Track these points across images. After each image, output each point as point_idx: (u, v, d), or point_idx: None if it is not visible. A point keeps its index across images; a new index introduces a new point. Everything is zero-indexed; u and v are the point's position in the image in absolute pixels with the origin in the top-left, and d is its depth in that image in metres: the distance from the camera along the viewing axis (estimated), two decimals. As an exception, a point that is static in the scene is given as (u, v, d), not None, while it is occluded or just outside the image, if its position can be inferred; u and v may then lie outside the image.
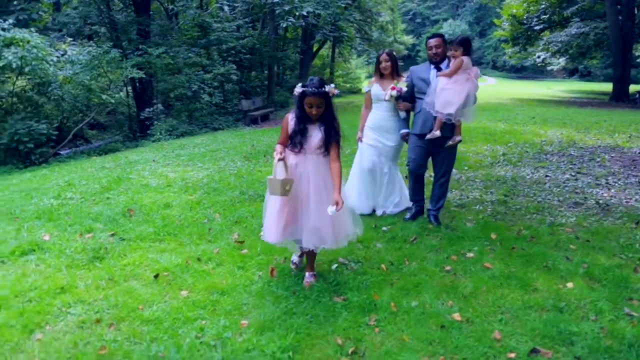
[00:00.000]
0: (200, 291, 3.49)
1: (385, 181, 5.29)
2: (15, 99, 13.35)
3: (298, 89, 3.32)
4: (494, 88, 35.26)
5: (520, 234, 4.61)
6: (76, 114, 14.13)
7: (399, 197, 5.37)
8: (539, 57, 30.84)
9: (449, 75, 4.57)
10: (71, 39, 16.25)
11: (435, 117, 4.65)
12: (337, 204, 3.19)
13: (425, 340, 2.82)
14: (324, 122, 3.36)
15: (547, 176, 7.03)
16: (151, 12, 17.57)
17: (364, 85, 5.39)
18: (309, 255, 3.65)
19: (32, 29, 12.75)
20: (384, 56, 5.11)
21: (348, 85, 31.65)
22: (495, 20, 33.88)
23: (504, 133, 11.21)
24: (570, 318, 3.06)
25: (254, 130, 14.78)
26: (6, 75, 12.16)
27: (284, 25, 16.03)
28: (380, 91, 5.09)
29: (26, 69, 11.42)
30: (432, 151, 4.89)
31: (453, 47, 4.59)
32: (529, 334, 2.87)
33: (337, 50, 31.13)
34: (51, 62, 12.06)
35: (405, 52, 42.44)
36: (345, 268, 3.88)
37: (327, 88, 3.29)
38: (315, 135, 3.36)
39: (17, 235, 4.79)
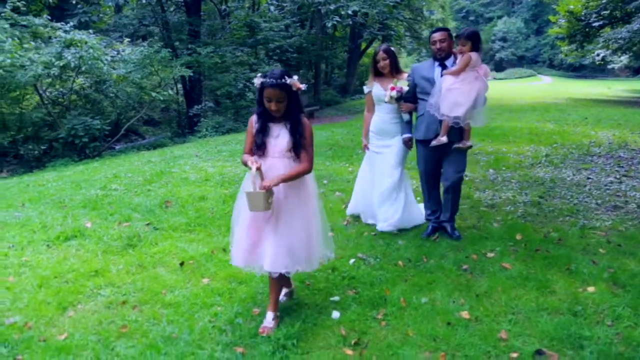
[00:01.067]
0: (220, 279, 3.65)
1: (391, 188, 4.72)
2: (74, 96, 14.12)
3: (257, 80, 2.90)
4: (549, 87, 34.11)
5: (547, 236, 4.53)
6: (129, 111, 14.79)
7: (399, 214, 4.69)
8: (597, 55, 29.54)
9: (456, 74, 4.10)
10: (128, 40, 17.00)
11: (440, 121, 4.20)
12: (264, 187, 2.77)
13: (430, 336, 2.86)
14: (289, 120, 2.92)
15: (589, 178, 6.81)
16: (202, 13, 18.10)
17: (365, 87, 4.87)
18: (274, 286, 3.05)
19: (91, 31, 13.46)
20: (381, 54, 4.63)
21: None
22: (551, 17, 32.71)
23: (551, 134, 10.88)
24: (584, 322, 3.00)
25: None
26: (67, 74, 12.87)
27: (330, 25, 16.14)
28: (382, 91, 4.61)
29: (83, 68, 12.07)
30: (441, 154, 4.43)
31: (460, 41, 4.10)
32: (537, 336, 2.86)
33: (386, 49, 30.94)
34: (105, 62, 12.69)
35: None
36: (362, 263, 3.95)
37: (289, 80, 2.82)
38: (282, 135, 2.93)
39: (63, 222, 5.14)
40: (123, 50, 15.04)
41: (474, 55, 4.07)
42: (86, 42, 12.11)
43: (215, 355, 2.69)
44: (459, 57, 4.14)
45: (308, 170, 2.97)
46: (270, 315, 3.00)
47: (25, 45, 12.31)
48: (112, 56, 13.76)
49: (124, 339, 2.89)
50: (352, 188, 6.25)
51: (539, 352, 2.68)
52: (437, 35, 4.29)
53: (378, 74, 4.69)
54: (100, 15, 19.11)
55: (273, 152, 2.95)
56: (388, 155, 4.73)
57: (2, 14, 12.41)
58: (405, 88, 4.50)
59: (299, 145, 2.92)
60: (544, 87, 34.38)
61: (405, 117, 4.67)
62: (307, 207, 3.01)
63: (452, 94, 4.07)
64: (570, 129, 11.64)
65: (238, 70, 16.75)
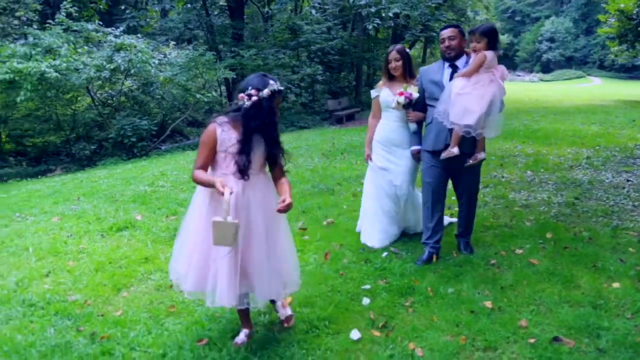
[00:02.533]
0: (260, 268, 3.92)
1: (407, 201, 4.44)
2: (123, 98, 14.82)
3: (270, 88, 2.58)
4: (598, 89, 33.16)
5: (578, 235, 4.59)
6: (174, 112, 15.39)
7: (414, 220, 4.59)
8: (650, 55, 28.51)
9: (468, 75, 3.60)
10: (174, 43, 17.67)
11: (450, 130, 3.71)
12: (284, 201, 2.55)
13: (453, 322, 3.03)
14: (263, 130, 2.62)
15: (628, 181, 6.75)
16: (245, 16, 18.59)
17: (373, 90, 4.48)
18: (244, 311, 2.86)
19: (139, 35, 14.12)
20: (393, 54, 4.19)
21: (437, 86, 31.25)
22: (600, 17, 31.77)
23: (595, 136, 10.71)
24: (604, 314, 3.11)
25: (337, 130, 15.21)
26: (117, 77, 13.54)
27: (370, 27, 16.31)
28: (391, 96, 4.19)
29: (132, 71, 12.69)
30: (451, 171, 3.95)
31: (474, 37, 3.59)
32: (556, 325, 2.98)
33: (428, 51, 30.84)
34: (153, 65, 13.29)
35: (500, 51, 40.57)
36: (394, 256, 4.14)
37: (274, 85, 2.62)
38: (258, 147, 2.63)
39: (115, 215, 5.55)
40: (169, 54, 15.67)
41: (489, 54, 3.55)
42: (135, 46, 12.73)
43: (253, 333, 2.94)
44: (473, 56, 3.67)
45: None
46: (244, 333, 2.86)
47: (79, 50, 13.03)
48: (159, 59, 14.37)
49: (172, 316, 3.19)
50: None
51: (556, 339, 2.81)
52: (445, 32, 3.79)
53: (391, 77, 4.29)
54: (148, 19, 19.89)
55: (252, 170, 2.62)
56: (394, 174, 4.33)
57: (57, 20, 13.18)
58: (416, 95, 4.05)
59: (277, 156, 2.67)
60: (593, 88, 33.47)
61: (412, 126, 4.23)
62: (283, 221, 2.80)
63: (463, 99, 3.56)
64: (616, 132, 11.41)
65: (280, 73, 17.14)
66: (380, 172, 4.38)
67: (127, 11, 18.62)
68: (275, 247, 2.70)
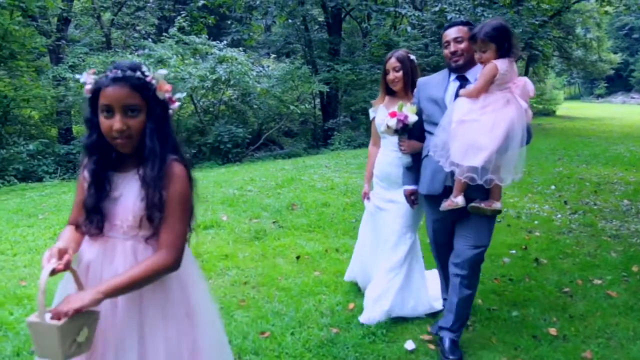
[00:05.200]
0: (329, 274, 4.09)
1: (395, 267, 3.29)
2: (223, 106, 15.78)
3: (87, 79, 1.59)
4: None
5: (669, 270, 4.29)
6: (270, 122, 16.13)
7: (414, 300, 3.31)
8: None
9: (475, 95, 2.58)
10: (274, 56, 18.55)
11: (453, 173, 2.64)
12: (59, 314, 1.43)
13: (512, 345, 2.99)
14: (145, 162, 1.60)
15: None
16: (342, 32, 19.06)
17: (371, 110, 3.45)
18: None
19: (241, 48, 15.01)
20: (392, 62, 3.21)
21: (540, 107, 29.86)
22: None
23: None
24: (683, 355, 2.92)
25: (426, 146, 15.12)
26: (218, 87, 14.49)
27: (466, 45, 16.08)
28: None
29: (232, 82, 13.53)
30: (456, 218, 2.87)
31: (477, 45, 2.56)
32: None
33: (531, 69, 29.63)
34: (251, 76, 14.07)
35: (611, 71, 37.92)
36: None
37: (148, 75, 1.58)
38: (127, 194, 1.64)
39: (204, 214, 5.99)
40: (268, 66, 16.46)
41: (501, 64, 2.52)
42: (236, 59, 13.55)
43: (312, 332, 3.11)
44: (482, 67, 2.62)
45: (170, 265, 1.63)
46: None
47: (186, 61, 14.10)
48: (257, 71, 15.17)
49: (241, 310, 3.45)
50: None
51: (622, 375, 2.67)
52: (450, 33, 2.77)
53: (391, 92, 3.31)
54: (251, 33, 21.01)
55: (111, 229, 1.66)
56: (392, 216, 3.30)
57: (170, 33, 14.36)
58: (413, 117, 2.87)
59: (157, 215, 1.61)
60: None
61: (406, 160, 3.02)
62: (179, 332, 1.71)
63: (467, 129, 2.55)
64: None
65: (374, 87, 17.37)
66: (379, 214, 3.41)
67: (233, 25, 19.81)
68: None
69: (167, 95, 1.62)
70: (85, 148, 1.65)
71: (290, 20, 17.56)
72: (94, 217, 1.63)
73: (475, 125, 2.53)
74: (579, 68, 31.65)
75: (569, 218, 5.82)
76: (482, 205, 2.70)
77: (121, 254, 1.65)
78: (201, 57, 14.70)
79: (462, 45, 2.71)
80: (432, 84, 2.90)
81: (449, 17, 12.52)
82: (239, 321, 3.25)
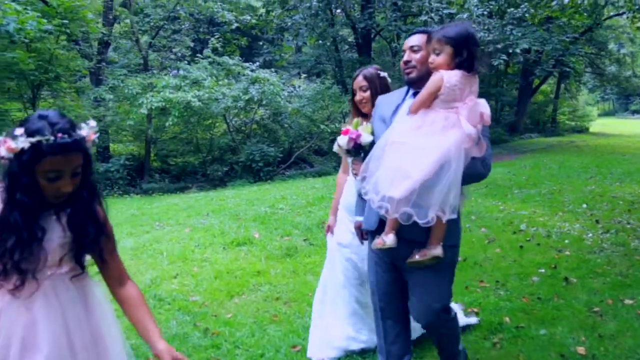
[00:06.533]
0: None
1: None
2: (255, 126, 16.12)
3: (20, 143, 1.44)
4: None
5: None
6: (300, 141, 16.40)
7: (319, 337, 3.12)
8: None
9: (412, 110, 2.16)
10: (305, 75, 18.88)
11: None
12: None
13: (539, 362, 3.03)
14: (71, 202, 1.60)
15: None
16: (372, 51, 19.28)
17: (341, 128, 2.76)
18: None
19: (273, 69, 15.37)
20: (358, 81, 2.89)
21: (573, 124, 29.37)
22: None
23: None
24: None
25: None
26: (250, 106, 14.85)
27: (496, 64, 16.05)
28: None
29: (264, 102, 13.87)
30: (399, 266, 2.39)
31: (433, 44, 2.15)
32: (654, 379, 2.86)
33: (562, 86, 29.24)
34: (283, 97, 14.41)
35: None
36: (492, 292, 4.16)
37: (83, 130, 1.54)
38: (52, 235, 1.59)
39: (237, 231, 6.17)
40: (299, 86, 16.77)
41: (450, 76, 2.08)
42: (268, 80, 13.90)
43: (342, 346, 3.21)
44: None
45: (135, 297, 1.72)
46: None
47: (220, 82, 14.52)
48: (289, 92, 15.50)
49: (274, 324, 3.57)
50: (499, 226, 6.43)
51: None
52: (409, 40, 2.33)
53: (362, 114, 2.92)
54: (282, 54, 21.47)
55: (41, 271, 1.59)
56: (359, 254, 2.96)
57: (204, 54, 14.83)
58: (368, 137, 2.48)
59: (80, 255, 1.65)
60: None
61: (358, 185, 2.48)
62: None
63: (396, 153, 2.10)
64: None
65: (402, 106, 17.50)
66: (340, 250, 3.07)
67: (265, 46, 20.29)
68: None
69: (90, 140, 1.57)
70: (8, 209, 1.52)
71: (320, 41, 17.89)
72: (19, 259, 1.54)
73: (403, 148, 2.09)
74: (613, 84, 31.05)
75: (601, 237, 5.76)
76: (417, 257, 2.20)
77: (53, 299, 1.61)
78: (234, 78, 15.11)
79: (418, 56, 2.27)
80: (387, 100, 2.48)
81: (478, 36, 12.52)
82: (272, 335, 3.38)
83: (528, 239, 5.71)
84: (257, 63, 15.29)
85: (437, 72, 2.10)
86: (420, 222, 2.04)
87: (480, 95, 2.17)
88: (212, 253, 5.32)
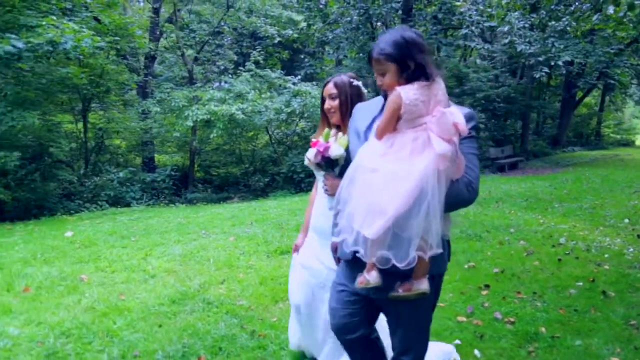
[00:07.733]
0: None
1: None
2: (296, 137, 16.49)
3: None
4: None
5: None
6: (340, 152, 16.69)
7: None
8: None
9: (377, 136, 1.91)
10: (344, 88, 19.17)
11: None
12: None
13: (573, 371, 3.13)
14: None
15: None
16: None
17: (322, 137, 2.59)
18: None
19: (314, 82, 15.72)
20: (328, 87, 2.64)
21: (618, 137, 28.59)
22: None
23: None
24: None
25: (497, 177, 14.97)
26: (292, 119, 15.23)
27: (537, 76, 15.90)
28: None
29: (305, 114, 14.21)
30: (377, 301, 2.09)
31: (375, 65, 1.94)
32: (689, 391, 2.91)
33: (607, 98, 28.53)
34: (323, 109, 14.77)
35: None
36: (529, 304, 4.25)
37: None
38: None
39: (280, 240, 6.43)
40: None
41: (407, 92, 1.84)
42: (309, 93, 14.24)
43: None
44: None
45: None
46: None
47: (263, 95, 14.97)
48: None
49: (316, 328, 3.77)
50: (538, 239, 6.47)
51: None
52: (377, 49, 1.94)
53: (330, 122, 2.68)
54: (323, 67, 21.85)
55: None
56: (319, 278, 2.75)
57: (247, 67, 15.32)
58: (338, 150, 2.35)
59: None
60: None
61: (330, 203, 2.38)
62: None
63: (365, 184, 1.84)
64: None
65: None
66: (302, 273, 2.87)
67: (306, 60, 20.71)
68: None
69: None
70: None
71: (361, 54, 18.15)
72: None
73: (374, 177, 1.81)
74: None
75: (643, 252, 5.73)
76: (400, 291, 1.92)
77: None
78: (275, 91, 15.53)
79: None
80: (363, 110, 2.16)
81: (518, 49, 12.52)
82: (314, 337, 3.58)
83: (567, 252, 5.74)
84: (299, 76, 15.69)
85: (394, 89, 1.87)
86: (400, 265, 1.79)
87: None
88: (257, 260, 5.58)
